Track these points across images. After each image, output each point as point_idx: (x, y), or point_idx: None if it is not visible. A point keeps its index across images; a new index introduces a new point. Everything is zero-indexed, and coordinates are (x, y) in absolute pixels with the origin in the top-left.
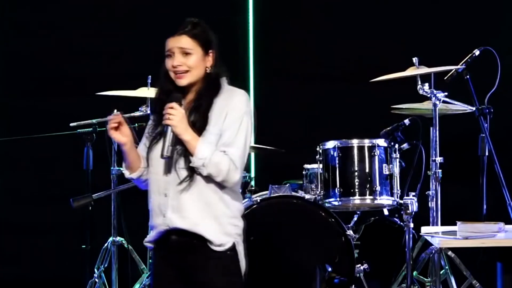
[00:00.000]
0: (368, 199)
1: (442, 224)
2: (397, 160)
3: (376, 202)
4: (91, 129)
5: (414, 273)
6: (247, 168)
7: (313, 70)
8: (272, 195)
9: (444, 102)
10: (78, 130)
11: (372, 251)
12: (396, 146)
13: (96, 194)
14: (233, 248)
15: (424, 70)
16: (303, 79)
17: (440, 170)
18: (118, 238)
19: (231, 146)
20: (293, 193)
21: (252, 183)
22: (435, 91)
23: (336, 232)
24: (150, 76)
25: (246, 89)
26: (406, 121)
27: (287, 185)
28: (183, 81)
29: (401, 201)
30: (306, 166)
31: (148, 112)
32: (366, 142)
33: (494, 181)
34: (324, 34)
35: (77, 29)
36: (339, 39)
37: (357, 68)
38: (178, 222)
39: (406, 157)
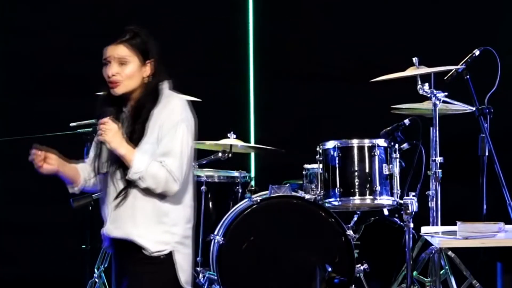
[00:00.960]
0: (368, 199)
1: (442, 224)
2: (397, 160)
3: (376, 202)
4: (91, 129)
5: (414, 273)
6: (247, 168)
7: (313, 70)
8: (272, 195)
9: (444, 102)
10: (78, 130)
11: (372, 251)
12: (396, 146)
13: (96, 194)
14: (169, 256)
15: (424, 70)
16: (303, 79)
17: (440, 170)
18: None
19: (167, 156)
20: (293, 193)
21: (252, 183)
22: (435, 91)
23: (336, 232)
24: None
25: (246, 89)
26: (406, 121)
27: (287, 185)
28: (117, 90)
29: (401, 201)
30: (306, 166)
31: None
32: (366, 142)
33: (494, 181)
34: (324, 34)
35: (77, 29)
36: (339, 39)
37: (357, 68)
38: (114, 232)
39: (406, 157)
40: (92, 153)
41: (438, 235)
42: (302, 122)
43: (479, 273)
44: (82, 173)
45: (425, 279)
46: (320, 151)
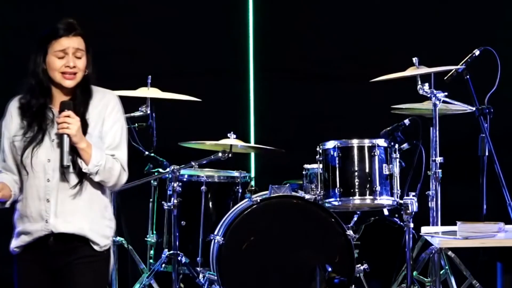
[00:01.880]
0: (368, 199)
1: (442, 224)
2: (397, 160)
3: (376, 202)
4: None
5: (414, 273)
6: (247, 168)
7: (313, 70)
8: (272, 195)
9: (444, 102)
10: None
11: (372, 251)
12: (396, 146)
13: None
14: (108, 250)
15: (424, 70)
16: (303, 79)
17: (440, 170)
18: (118, 238)
19: (117, 149)
20: (293, 193)
21: (252, 183)
22: (435, 91)
23: (336, 232)
24: (150, 76)
25: (247, 89)
26: (406, 121)
27: (287, 185)
28: (71, 83)
29: (401, 201)
30: (306, 166)
31: (148, 112)
32: (366, 142)
33: (494, 181)
34: (324, 34)
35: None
36: (340, 39)
37: (357, 68)
38: (62, 227)
39: (406, 157)
40: (7, 153)
41: (438, 235)
42: (302, 122)
43: (479, 273)
44: (10, 184)
45: (425, 279)
46: (320, 151)
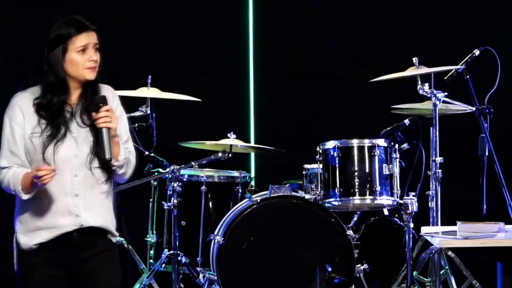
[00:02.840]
0: (368, 199)
1: (442, 224)
2: (397, 160)
3: (376, 202)
4: None
5: (414, 273)
6: (247, 168)
7: (313, 70)
8: (272, 195)
9: (444, 102)
10: None
11: (372, 251)
12: (396, 146)
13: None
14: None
15: (424, 70)
16: (303, 79)
17: (440, 170)
18: (118, 238)
19: (128, 142)
20: (293, 193)
21: (252, 183)
22: (435, 91)
23: (336, 232)
24: (150, 76)
25: (247, 89)
26: (406, 121)
27: (287, 185)
28: (94, 75)
29: (401, 201)
30: (306, 166)
31: (148, 112)
32: (366, 142)
33: (494, 181)
34: (324, 34)
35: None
36: (340, 39)
37: (357, 68)
38: (92, 221)
39: (406, 157)
40: (20, 149)
41: (438, 235)
42: (302, 122)
43: (479, 273)
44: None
45: (425, 279)
46: (320, 151)
